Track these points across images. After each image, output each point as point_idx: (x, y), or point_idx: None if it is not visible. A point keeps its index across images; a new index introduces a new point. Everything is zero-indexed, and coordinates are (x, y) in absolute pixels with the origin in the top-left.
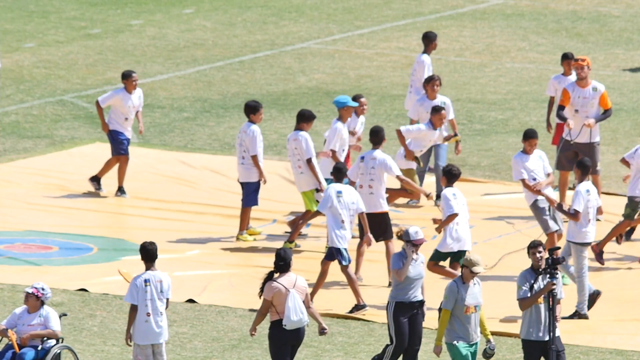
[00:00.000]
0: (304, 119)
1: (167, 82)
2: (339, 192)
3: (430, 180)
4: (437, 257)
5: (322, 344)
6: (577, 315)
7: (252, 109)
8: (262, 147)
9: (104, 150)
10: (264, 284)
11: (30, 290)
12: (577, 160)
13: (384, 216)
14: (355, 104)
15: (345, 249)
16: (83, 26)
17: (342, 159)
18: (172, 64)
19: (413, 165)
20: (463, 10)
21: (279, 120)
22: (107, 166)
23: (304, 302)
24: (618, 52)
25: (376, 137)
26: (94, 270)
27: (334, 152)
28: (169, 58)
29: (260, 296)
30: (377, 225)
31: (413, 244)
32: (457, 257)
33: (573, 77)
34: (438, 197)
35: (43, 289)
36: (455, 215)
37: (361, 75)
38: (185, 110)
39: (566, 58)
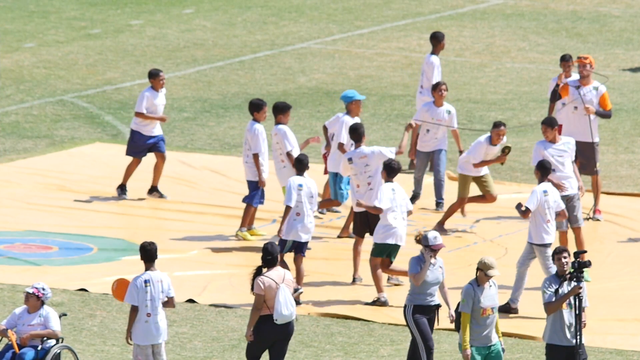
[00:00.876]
0: (278, 110)
1: (167, 82)
2: (300, 186)
3: (428, 181)
4: (376, 251)
5: (322, 344)
6: (508, 307)
7: (256, 107)
8: (267, 145)
9: (104, 150)
10: (253, 279)
11: (30, 291)
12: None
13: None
14: (363, 97)
15: (305, 243)
16: (83, 26)
17: None
18: (172, 64)
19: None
20: (463, 10)
21: None
22: (129, 170)
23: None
24: (618, 52)
25: (356, 134)
26: (94, 270)
27: (341, 145)
28: (169, 58)
29: (252, 292)
30: (373, 223)
31: (432, 248)
32: (391, 251)
33: (572, 78)
34: (438, 204)
35: (44, 289)
36: (381, 210)
37: (361, 75)
38: (185, 110)
39: (564, 60)
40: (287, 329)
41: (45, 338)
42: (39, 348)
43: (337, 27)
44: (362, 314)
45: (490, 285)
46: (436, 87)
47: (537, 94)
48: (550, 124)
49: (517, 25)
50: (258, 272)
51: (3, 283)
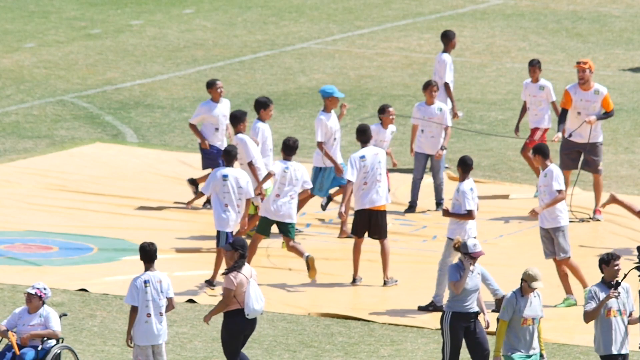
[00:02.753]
0: (237, 120)
1: (167, 82)
2: (225, 176)
3: (428, 181)
4: (260, 224)
5: (322, 344)
6: (433, 306)
7: (263, 105)
8: (271, 145)
9: (105, 150)
10: (224, 275)
11: (32, 291)
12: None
13: (385, 213)
14: (342, 95)
15: (230, 233)
16: (83, 26)
17: (333, 149)
18: (172, 64)
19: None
20: (463, 11)
21: (279, 120)
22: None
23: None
24: (618, 52)
25: (364, 135)
26: (94, 270)
27: (320, 144)
28: (169, 58)
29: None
30: (376, 220)
31: (471, 256)
32: (281, 229)
33: (542, 82)
34: (438, 204)
35: (44, 289)
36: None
37: (361, 75)
38: (186, 110)
39: (531, 65)
40: (253, 323)
41: (45, 338)
42: (39, 348)
43: (337, 27)
44: (363, 314)
45: (535, 296)
46: (427, 86)
47: None
48: (544, 154)
49: (517, 25)
50: (233, 267)
51: (3, 283)
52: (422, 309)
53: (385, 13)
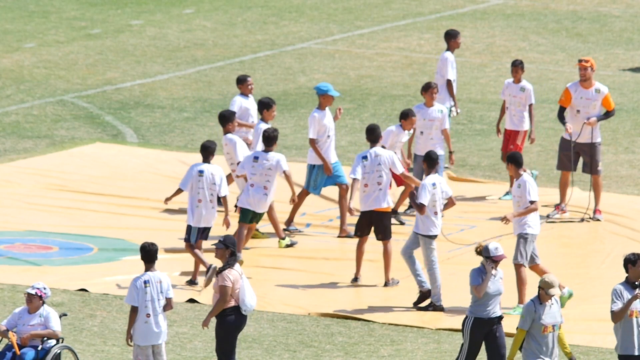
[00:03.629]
0: (225, 120)
1: (167, 82)
2: (201, 172)
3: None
4: (243, 214)
5: (322, 344)
6: (432, 306)
7: (265, 105)
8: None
9: (105, 150)
10: (218, 274)
11: (33, 292)
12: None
13: (388, 215)
14: (337, 94)
15: (197, 228)
16: (83, 26)
17: (326, 147)
18: (172, 64)
19: None
20: (463, 11)
21: (279, 120)
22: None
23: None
24: (618, 52)
25: (373, 134)
26: (94, 270)
27: (312, 140)
28: (169, 58)
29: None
30: (378, 222)
31: (493, 260)
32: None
33: (523, 83)
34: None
35: (44, 289)
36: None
37: (361, 75)
38: (186, 110)
39: (514, 65)
40: (245, 320)
41: (45, 338)
42: (39, 348)
43: (337, 27)
44: (362, 314)
45: (552, 303)
46: (427, 88)
47: (536, 94)
48: (517, 163)
49: (517, 25)
50: (227, 265)
51: (3, 283)
52: (422, 309)
53: (385, 13)
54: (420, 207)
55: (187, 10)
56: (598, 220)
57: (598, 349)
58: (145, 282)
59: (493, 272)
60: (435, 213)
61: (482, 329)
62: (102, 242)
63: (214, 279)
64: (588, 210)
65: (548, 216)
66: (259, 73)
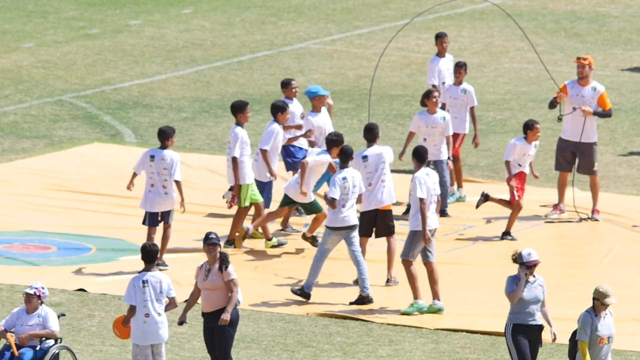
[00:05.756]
0: (236, 110)
1: (165, 82)
2: (152, 156)
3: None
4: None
5: (320, 344)
6: (301, 291)
7: (280, 109)
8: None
9: (103, 150)
10: (226, 267)
11: (31, 292)
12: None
13: (390, 212)
14: (327, 93)
15: (154, 213)
16: (82, 26)
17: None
18: (170, 64)
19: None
20: (462, 11)
21: None
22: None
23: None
24: (617, 52)
25: (371, 134)
26: (93, 270)
27: (311, 143)
28: (167, 58)
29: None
30: (381, 220)
31: (526, 265)
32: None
33: (464, 85)
34: (442, 212)
35: (43, 288)
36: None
37: (360, 75)
38: (184, 110)
39: (457, 66)
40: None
41: (43, 338)
42: (38, 348)
43: (335, 27)
44: (361, 314)
45: (607, 314)
46: (429, 95)
47: (535, 94)
48: (420, 158)
49: (515, 25)
50: (224, 260)
51: (1, 283)
52: (353, 302)
53: (383, 13)
54: (332, 202)
55: (185, 11)
56: (596, 220)
57: None
58: (143, 282)
59: (530, 278)
60: (344, 206)
61: (523, 334)
62: (101, 242)
63: (213, 277)
64: (577, 209)
65: (546, 216)
66: (257, 73)
